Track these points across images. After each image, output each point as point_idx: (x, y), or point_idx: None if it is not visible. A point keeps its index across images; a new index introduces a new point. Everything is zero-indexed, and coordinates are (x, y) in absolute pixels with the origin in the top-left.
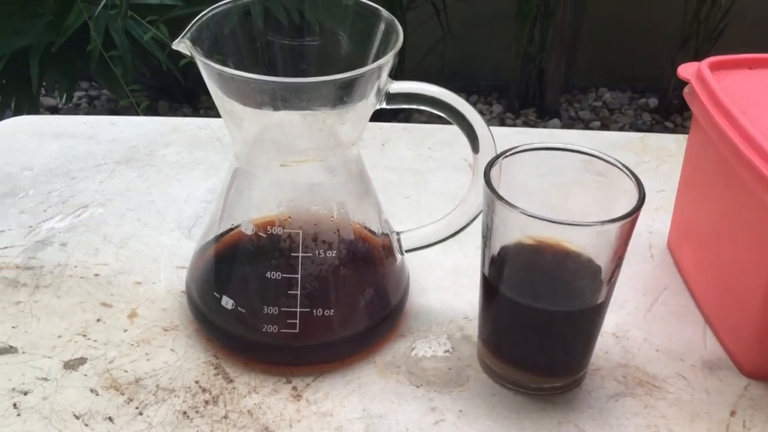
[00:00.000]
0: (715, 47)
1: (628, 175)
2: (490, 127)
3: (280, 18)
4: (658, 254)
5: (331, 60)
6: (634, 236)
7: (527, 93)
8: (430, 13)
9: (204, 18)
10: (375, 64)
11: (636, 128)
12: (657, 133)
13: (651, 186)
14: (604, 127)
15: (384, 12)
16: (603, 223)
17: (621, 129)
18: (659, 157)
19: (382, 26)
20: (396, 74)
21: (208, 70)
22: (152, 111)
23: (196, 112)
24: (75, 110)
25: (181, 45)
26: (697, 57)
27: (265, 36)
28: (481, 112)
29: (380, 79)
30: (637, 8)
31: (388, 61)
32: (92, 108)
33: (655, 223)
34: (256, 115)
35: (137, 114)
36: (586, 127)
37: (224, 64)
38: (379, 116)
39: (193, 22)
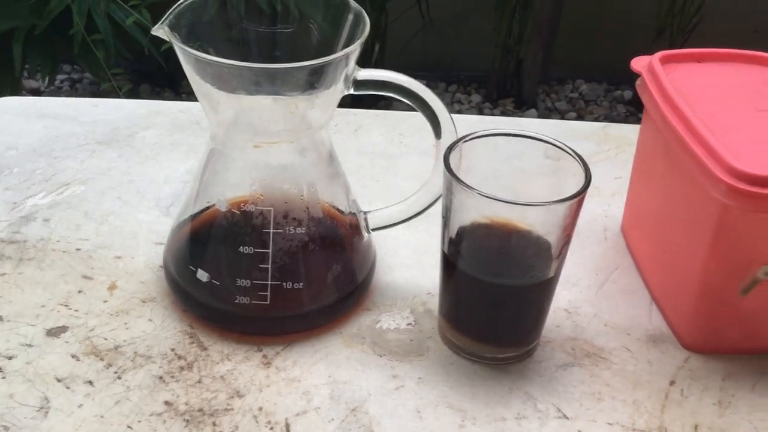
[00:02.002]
0: (690, 40)
1: (577, 160)
2: (463, 115)
3: (262, 6)
4: (612, 236)
5: (302, 47)
6: (590, 219)
7: (505, 83)
8: (411, 3)
9: (182, 5)
10: (342, 52)
11: (611, 119)
12: (618, 123)
13: (609, 173)
14: (580, 117)
15: (353, 3)
16: (551, 203)
17: (596, 120)
18: (619, 146)
19: (350, 17)
20: (376, 62)
21: (185, 55)
22: (134, 95)
23: (177, 97)
24: (57, 93)
25: (160, 31)
26: (672, 49)
27: (240, 23)
28: (459, 102)
29: (348, 66)
30: (614, 1)
31: (355, 49)
32: (74, 91)
33: (611, 208)
34: (230, 98)
35: (119, 97)
36: (562, 118)
37: (201, 49)
38: (360, 103)
39: (171, 9)
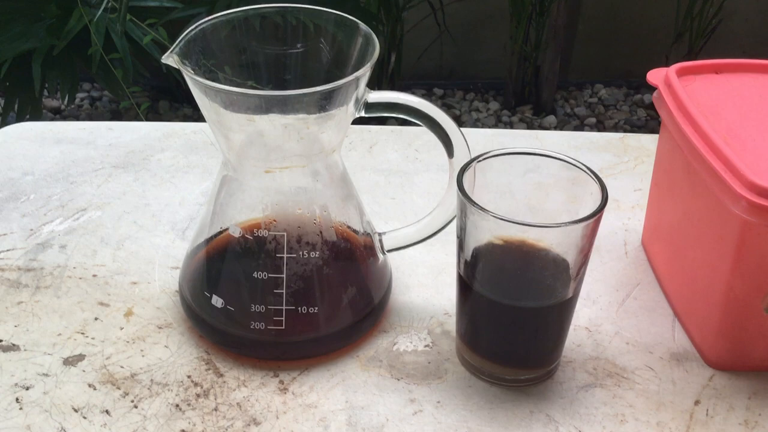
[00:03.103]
0: (709, 43)
1: (593, 179)
2: (475, 129)
3: (277, 20)
4: (633, 251)
5: (313, 70)
6: (610, 233)
7: (523, 90)
8: (426, 12)
9: (191, 32)
10: (352, 76)
11: (631, 124)
12: (637, 134)
13: (628, 185)
14: (600, 123)
15: (362, 25)
16: (567, 224)
17: (616, 125)
18: (638, 157)
19: (360, 39)
20: (392, 73)
21: (195, 83)
22: (153, 111)
23: (196, 112)
24: (77, 111)
25: (170, 59)
26: (691, 52)
27: (251, 46)
28: (477, 110)
29: (358, 89)
30: (632, 5)
31: (365, 72)
32: (94, 109)
33: (631, 222)
34: (240, 123)
35: (138, 114)
36: (582, 123)
37: (212, 70)
38: (374, 120)
39: (181, 36)
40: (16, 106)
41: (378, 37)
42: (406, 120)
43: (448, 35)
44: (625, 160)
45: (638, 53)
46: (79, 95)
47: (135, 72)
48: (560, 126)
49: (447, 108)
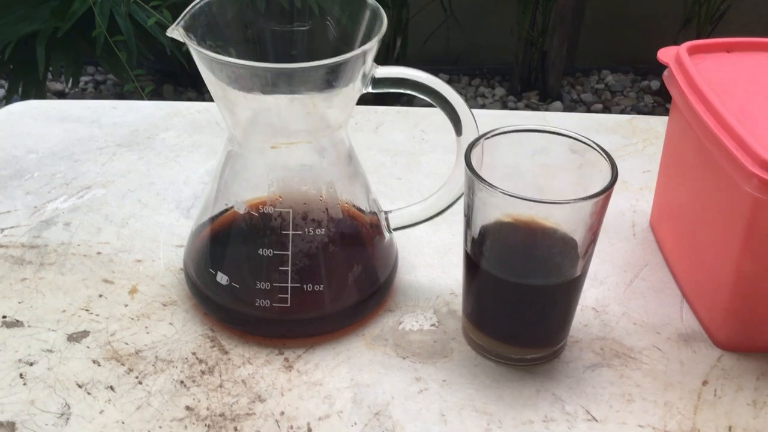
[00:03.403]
0: (718, 28)
1: (603, 156)
2: (487, 110)
3: (282, 2)
4: (641, 232)
5: (319, 46)
6: (618, 214)
7: (529, 76)
8: None
9: (197, 6)
10: (359, 50)
11: (638, 110)
12: (645, 116)
13: (637, 166)
14: (606, 109)
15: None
16: (577, 200)
17: (623, 111)
18: (646, 138)
19: (368, 13)
20: (398, 57)
21: (200, 57)
22: (157, 95)
23: (200, 96)
24: (81, 95)
25: (175, 32)
26: (699, 38)
27: (257, 22)
28: (483, 95)
29: (366, 64)
30: None
31: (372, 46)
32: (98, 92)
33: (639, 203)
34: (247, 99)
35: (142, 97)
36: (588, 110)
37: (217, 49)
38: (381, 101)
39: (186, 9)
40: (20, 89)
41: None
42: (412, 100)
43: (454, 20)
44: (634, 141)
45: (646, 39)
46: (84, 78)
47: (139, 55)
48: (567, 112)
49: None
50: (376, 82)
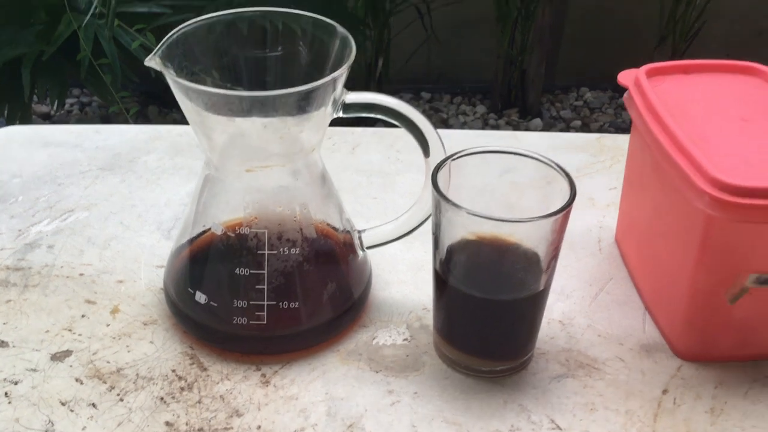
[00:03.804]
0: (693, 46)
1: (562, 175)
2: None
3: (256, 29)
4: (606, 247)
5: (292, 72)
6: (585, 230)
7: (510, 94)
8: (413, 17)
9: (174, 36)
10: (329, 77)
11: (616, 126)
12: (613, 134)
13: (604, 184)
14: (585, 125)
15: (339, 28)
16: (536, 219)
17: (601, 127)
18: (614, 156)
19: (337, 41)
20: (380, 77)
21: (177, 85)
22: (142, 116)
23: (184, 117)
24: (67, 116)
25: (152, 62)
26: (674, 56)
27: (232, 49)
28: (465, 113)
29: (336, 90)
30: (617, 8)
31: (342, 73)
32: (84, 114)
33: (606, 219)
34: (222, 124)
35: (127, 119)
36: (567, 126)
37: (194, 76)
38: (359, 122)
39: (163, 40)
40: (5, 112)
41: (365, 42)
42: (389, 122)
43: (435, 39)
44: (602, 159)
45: (623, 57)
46: (69, 101)
47: (124, 77)
48: (546, 128)
49: (435, 111)
50: (347, 107)
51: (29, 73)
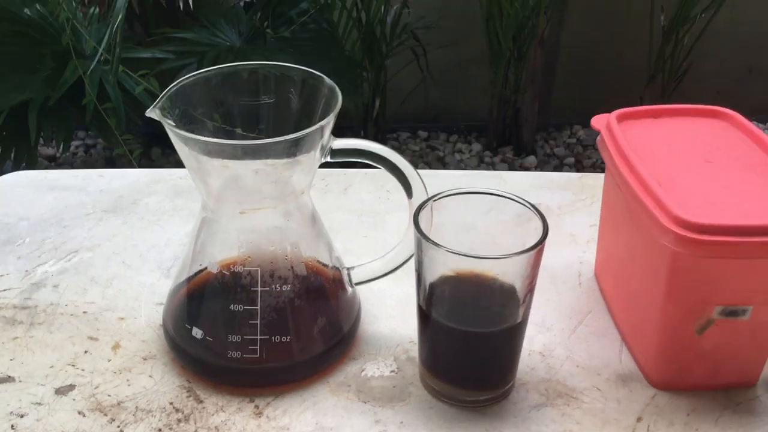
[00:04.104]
0: (683, 84)
1: (536, 214)
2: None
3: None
4: (586, 282)
5: (284, 120)
6: (566, 266)
7: (504, 132)
8: (410, 59)
9: (173, 88)
10: (317, 126)
11: None
12: (594, 173)
13: (585, 221)
14: (578, 162)
15: (327, 79)
16: (511, 255)
17: (594, 164)
18: (594, 194)
19: (325, 90)
20: (378, 117)
21: (176, 135)
22: (146, 157)
23: None
24: (72, 159)
25: (153, 113)
26: (664, 94)
27: (227, 99)
28: (461, 151)
29: (323, 137)
30: (608, 48)
31: (329, 122)
32: (89, 156)
33: (586, 254)
34: (217, 170)
35: (131, 161)
36: (561, 163)
37: (192, 125)
38: (353, 163)
39: (163, 92)
40: (12, 155)
41: (363, 83)
42: None
43: (431, 80)
44: (583, 197)
45: (615, 95)
46: (75, 143)
47: (128, 120)
48: (541, 165)
49: (431, 149)
50: (334, 152)
51: (36, 118)
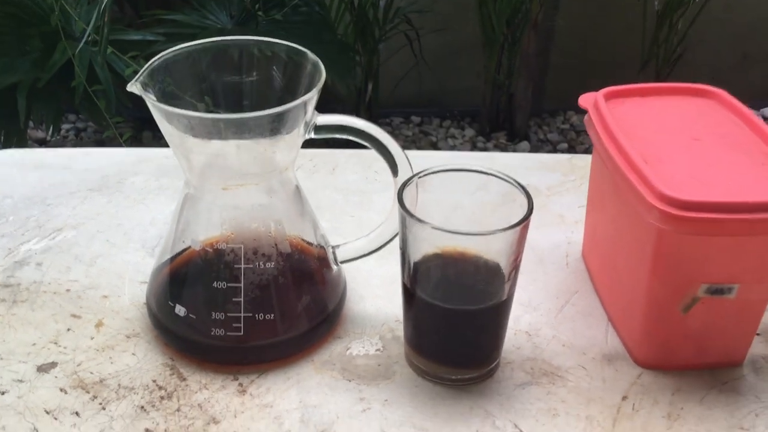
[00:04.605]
0: (676, 69)
1: (520, 191)
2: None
3: (233, 55)
4: (573, 262)
5: (267, 96)
6: (554, 246)
7: (497, 117)
8: (402, 43)
9: (155, 63)
10: (300, 100)
11: None
12: (583, 155)
13: (573, 202)
14: (571, 148)
15: (310, 54)
16: (495, 232)
17: (587, 150)
18: (583, 176)
19: (309, 66)
20: (370, 102)
21: (157, 109)
22: (137, 141)
23: None
24: (63, 142)
25: (134, 87)
26: (658, 79)
27: (210, 75)
28: (453, 136)
29: (307, 113)
30: (602, 34)
31: (312, 96)
32: (79, 140)
33: (574, 235)
34: (199, 146)
35: (121, 144)
36: (554, 149)
37: (174, 101)
38: (342, 144)
39: (144, 67)
40: (1, 138)
41: (355, 67)
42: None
43: (424, 64)
44: (572, 178)
45: (608, 81)
46: (65, 126)
47: (118, 103)
48: (534, 151)
49: (424, 135)
50: (318, 128)
51: (25, 100)
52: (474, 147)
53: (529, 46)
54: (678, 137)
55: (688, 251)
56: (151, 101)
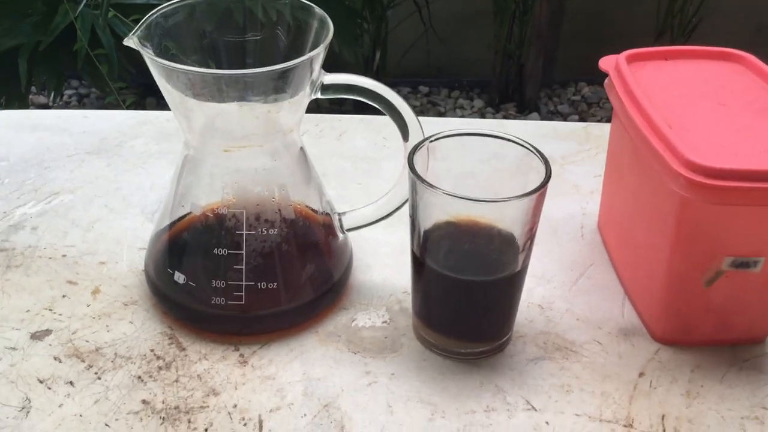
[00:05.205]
0: (691, 40)
1: (538, 157)
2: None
3: (235, 12)
4: (589, 233)
5: (272, 54)
6: (569, 217)
7: (507, 88)
8: (411, 10)
9: (153, 16)
10: (306, 56)
11: None
12: (600, 123)
13: (589, 171)
14: (582, 120)
15: (317, 9)
16: (511, 199)
17: (598, 122)
18: (600, 144)
19: (315, 22)
20: (378, 70)
21: (155, 65)
22: (140, 107)
23: None
24: (65, 107)
25: (131, 41)
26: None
27: (211, 32)
28: (462, 107)
29: (313, 71)
30: (615, 4)
31: (319, 53)
32: (82, 105)
33: (589, 206)
34: (201, 105)
35: (124, 110)
36: (565, 121)
37: (173, 58)
38: (349, 111)
39: (142, 20)
40: (2, 102)
41: (363, 35)
42: (378, 110)
43: (433, 33)
44: (587, 148)
45: (621, 51)
46: (68, 92)
47: (120, 68)
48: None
49: (432, 105)
50: (325, 88)
51: (26, 64)
52: (483, 118)
53: (541, 14)
54: (703, 102)
55: (713, 222)
56: (149, 56)
